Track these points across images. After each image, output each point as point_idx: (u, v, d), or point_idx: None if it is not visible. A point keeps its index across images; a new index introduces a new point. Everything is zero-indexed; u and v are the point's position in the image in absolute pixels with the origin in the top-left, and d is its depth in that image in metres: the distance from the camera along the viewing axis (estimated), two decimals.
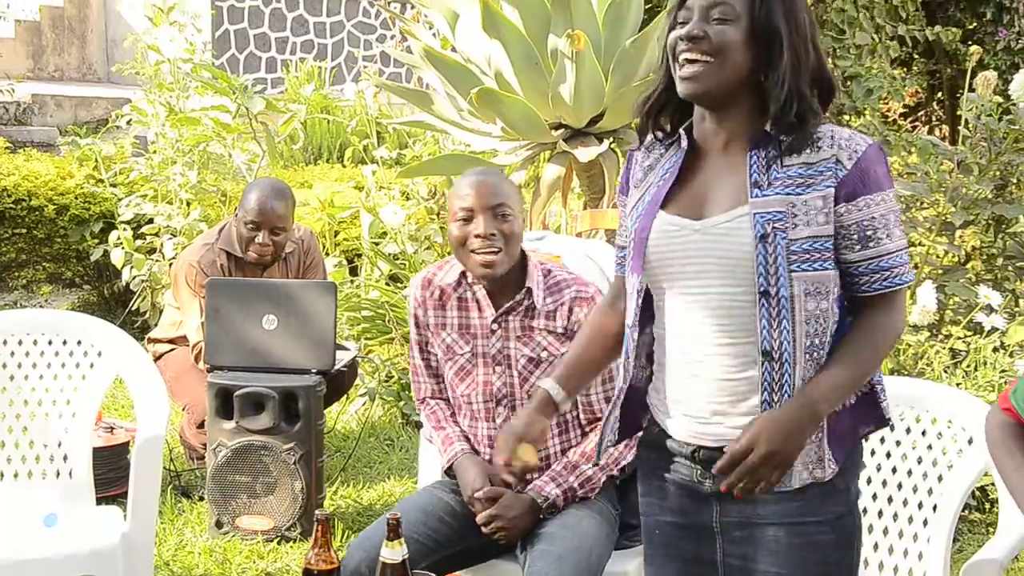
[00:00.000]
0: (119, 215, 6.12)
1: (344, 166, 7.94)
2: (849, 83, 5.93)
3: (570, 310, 2.77)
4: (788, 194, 1.92)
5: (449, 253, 5.99)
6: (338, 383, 4.29)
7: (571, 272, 2.87)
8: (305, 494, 3.78)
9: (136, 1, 6.67)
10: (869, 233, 1.93)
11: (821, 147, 1.94)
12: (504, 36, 4.76)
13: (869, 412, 2.05)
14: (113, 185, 6.42)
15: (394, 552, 2.31)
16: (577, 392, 2.27)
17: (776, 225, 1.90)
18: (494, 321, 2.79)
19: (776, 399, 1.93)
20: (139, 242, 6.01)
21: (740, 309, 1.94)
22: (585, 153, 4.86)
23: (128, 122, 6.61)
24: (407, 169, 5.67)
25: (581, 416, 2.84)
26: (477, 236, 2.70)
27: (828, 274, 1.94)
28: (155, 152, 6.33)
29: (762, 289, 1.91)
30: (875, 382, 2.04)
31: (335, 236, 6.55)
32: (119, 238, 5.96)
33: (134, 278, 5.94)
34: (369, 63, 10.14)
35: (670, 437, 2.06)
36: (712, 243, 1.95)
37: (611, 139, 5.19)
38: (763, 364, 1.93)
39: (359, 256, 6.44)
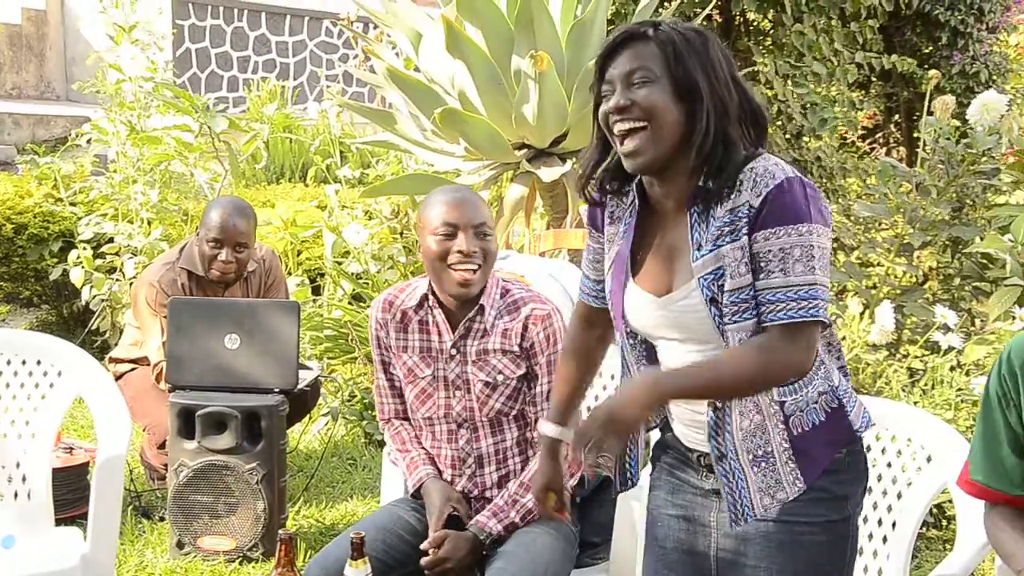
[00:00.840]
0: (79, 234, 6.07)
1: (307, 185, 7.93)
2: (806, 108, 6.00)
3: (524, 327, 2.77)
4: (715, 247, 1.96)
5: (413, 273, 6.01)
6: (301, 402, 4.28)
7: (530, 290, 2.86)
8: (267, 514, 3.76)
9: (97, 19, 6.62)
10: (763, 264, 1.93)
11: (742, 190, 1.95)
12: (467, 56, 4.78)
13: (839, 427, 2.08)
14: (72, 204, 6.37)
15: (358, 571, 2.31)
16: (574, 417, 2.34)
17: (719, 283, 1.96)
18: (453, 346, 2.79)
19: (719, 444, 2.05)
20: (99, 261, 5.97)
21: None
22: (548, 173, 4.89)
23: (88, 141, 6.56)
24: (370, 189, 5.67)
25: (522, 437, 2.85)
26: (459, 252, 2.69)
27: (753, 323, 1.96)
28: (115, 171, 6.29)
29: (713, 347, 2.02)
30: (840, 396, 2.08)
31: (298, 255, 6.54)
32: (79, 257, 5.91)
33: (94, 297, 5.89)
34: (332, 83, 10.15)
35: (679, 440, 2.19)
36: (676, 316, 2.03)
37: (574, 159, 5.22)
38: (709, 415, 2.05)
39: (322, 275, 6.43)
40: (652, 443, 2.31)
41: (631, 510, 2.81)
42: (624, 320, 2.11)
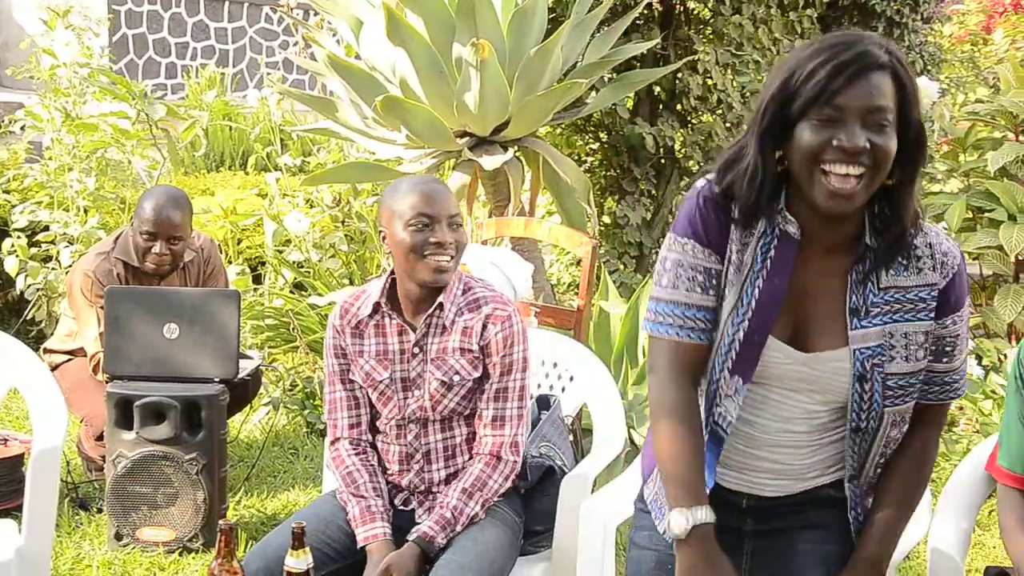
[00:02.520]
0: (12, 222, 5.97)
1: (247, 173, 7.85)
2: (747, 98, 6.05)
3: (484, 327, 2.75)
4: (886, 323, 1.87)
5: (356, 261, 5.99)
6: (241, 392, 4.24)
7: (492, 289, 2.84)
8: (208, 504, 3.73)
9: (30, 3, 6.50)
10: (948, 349, 1.91)
11: (922, 267, 1.87)
12: (408, 44, 4.76)
13: None
14: (6, 192, 6.26)
15: (299, 561, 2.30)
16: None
17: (874, 362, 1.87)
18: (415, 344, 2.77)
19: (855, 462, 1.99)
20: (34, 250, 5.87)
21: (826, 416, 1.97)
22: (490, 161, 4.89)
23: (22, 127, 6.45)
24: (311, 177, 5.63)
25: (467, 435, 2.83)
26: (435, 243, 2.66)
27: (912, 405, 1.95)
28: (50, 158, 6.19)
29: (853, 425, 1.93)
30: None
31: (238, 244, 6.48)
32: (13, 246, 5.82)
33: (29, 287, 5.80)
34: (272, 70, 10.05)
35: (716, 483, 2.03)
36: (815, 376, 1.92)
37: (516, 147, 5.22)
38: (849, 482, 2.01)
39: (263, 264, 6.38)
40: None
41: (573, 499, 2.82)
42: (756, 363, 1.92)
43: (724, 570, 1.89)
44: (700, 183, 1.97)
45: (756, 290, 1.89)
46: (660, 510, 2.08)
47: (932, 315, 1.87)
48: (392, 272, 2.80)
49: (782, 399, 1.96)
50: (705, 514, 1.88)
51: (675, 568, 1.93)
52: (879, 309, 1.86)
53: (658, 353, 1.98)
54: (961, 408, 4.45)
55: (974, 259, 5.21)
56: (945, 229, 4.89)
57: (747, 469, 2.02)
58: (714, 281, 1.93)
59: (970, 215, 5.20)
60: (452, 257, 2.70)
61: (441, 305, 2.74)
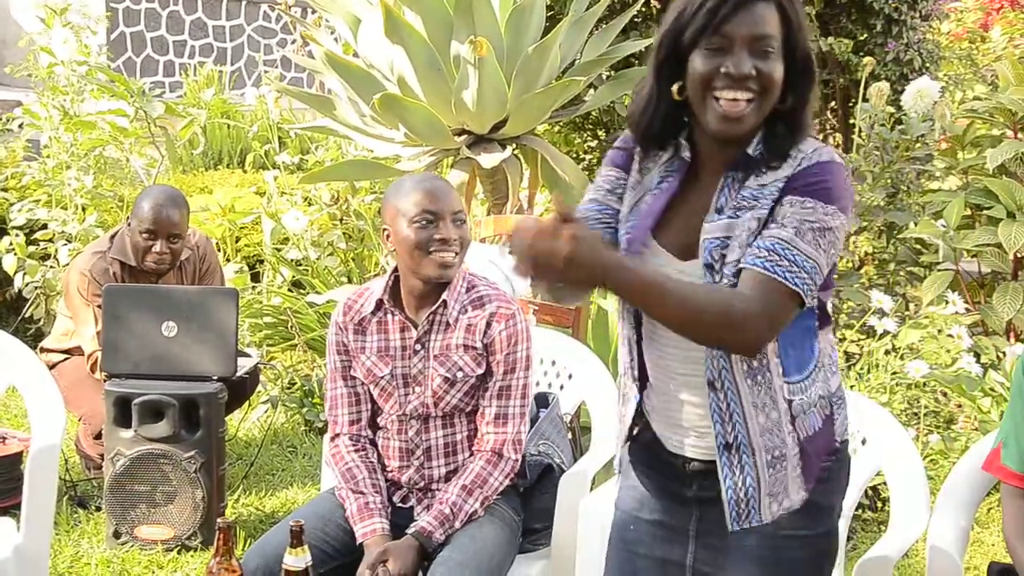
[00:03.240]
0: (10, 220, 5.97)
1: (245, 171, 7.85)
2: None
3: (488, 324, 2.75)
4: (731, 218, 1.88)
5: (354, 259, 5.98)
6: (240, 390, 4.24)
7: (496, 287, 2.85)
8: (206, 502, 3.73)
9: (28, 2, 6.50)
10: (785, 222, 1.83)
11: (784, 166, 1.89)
12: (406, 42, 4.76)
13: (831, 433, 2.02)
14: (4, 190, 6.26)
15: (297, 559, 2.30)
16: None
17: (723, 251, 1.86)
18: (417, 341, 2.77)
19: (728, 432, 1.93)
20: (32, 248, 5.87)
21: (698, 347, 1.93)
22: (488, 159, 4.88)
23: (20, 125, 6.45)
24: (309, 175, 5.62)
25: (468, 429, 2.84)
26: (440, 240, 2.67)
27: None
28: (48, 156, 6.18)
29: None
30: (834, 402, 2.02)
31: (236, 242, 6.48)
32: (11, 244, 5.81)
33: (27, 285, 5.80)
34: (270, 68, 10.05)
35: (659, 443, 2.06)
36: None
37: (514, 145, 5.22)
38: (709, 395, 1.93)
39: (261, 262, 6.38)
40: (625, 445, 2.16)
41: (571, 497, 2.82)
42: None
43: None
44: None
45: (643, 204, 1.99)
46: (626, 472, 2.17)
47: (769, 203, 1.87)
48: (395, 269, 2.81)
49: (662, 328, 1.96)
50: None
51: (634, 527, 2.11)
52: (735, 205, 1.90)
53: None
54: (960, 406, 4.45)
55: (973, 257, 5.21)
56: (944, 227, 4.89)
57: (673, 420, 2.02)
58: (616, 187, 2.06)
59: (969, 213, 5.19)
60: (457, 253, 2.71)
61: (445, 302, 2.75)
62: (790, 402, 1.94)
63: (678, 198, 1.97)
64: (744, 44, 1.84)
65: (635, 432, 2.11)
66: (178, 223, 4.17)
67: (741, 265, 1.84)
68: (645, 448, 2.10)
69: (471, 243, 2.80)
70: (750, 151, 1.90)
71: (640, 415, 2.09)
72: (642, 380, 2.06)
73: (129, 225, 4.23)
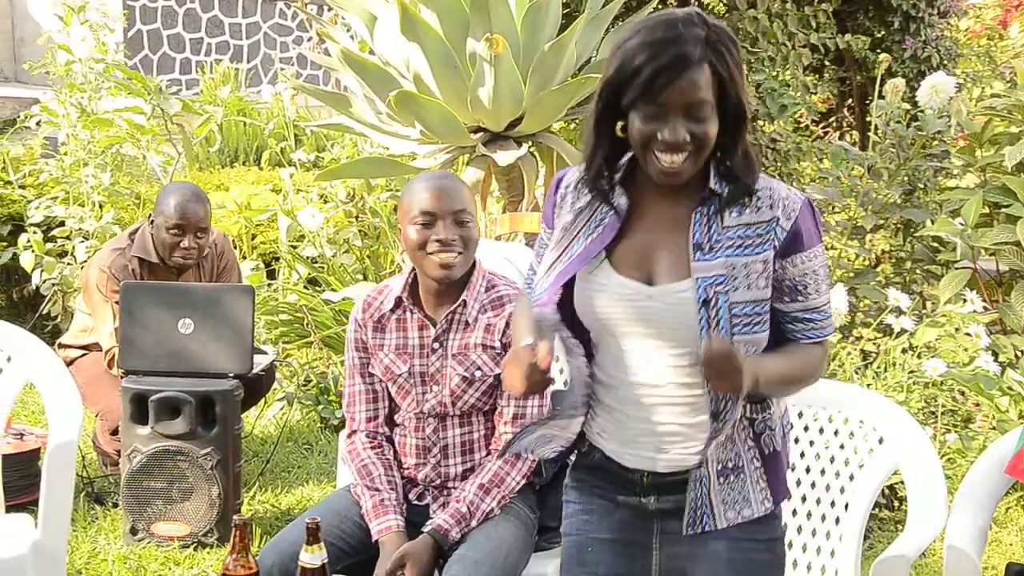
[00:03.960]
0: (28, 217, 5.99)
1: (261, 169, 7.86)
2: (764, 94, 6.02)
3: (507, 324, 2.74)
4: (728, 256, 1.96)
5: (369, 256, 5.99)
6: (256, 387, 4.25)
7: (516, 287, 2.84)
8: (222, 499, 3.74)
9: (46, 0, 6.53)
10: (800, 288, 2.01)
11: (760, 207, 1.98)
12: (422, 39, 4.76)
13: (787, 447, 2.15)
14: (22, 187, 6.28)
15: (313, 556, 2.30)
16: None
17: (717, 289, 1.95)
18: (435, 340, 2.77)
19: (708, 452, 2.02)
20: (49, 245, 5.89)
21: (689, 367, 1.99)
22: (504, 157, 4.88)
23: (38, 123, 6.47)
24: (325, 172, 5.63)
25: (486, 431, 2.83)
26: (437, 241, 2.67)
27: (763, 337, 2.00)
28: (66, 153, 6.20)
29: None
30: (788, 419, 2.15)
31: (252, 239, 6.49)
32: (28, 241, 5.84)
33: (44, 282, 5.82)
34: (286, 65, 10.06)
35: (613, 461, 2.09)
36: (662, 308, 1.98)
37: (530, 143, 5.21)
38: (712, 424, 2.00)
39: (277, 259, 6.39)
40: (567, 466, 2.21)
41: None
42: (579, 309, 2.04)
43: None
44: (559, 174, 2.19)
45: (581, 247, 2.04)
46: (573, 497, 2.20)
47: (772, 247, 1.97)
48: (414, 268, 2.81)
49: (639, 350, 2.02)
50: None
51: (592, 549, 2.13)
52: (722, 244, 1.97)
53: None
54: (978, 405, 4.43)
55: (991, 255, 5.18)
56: (962, 225, 4.86)
57: (634, 439, 2.06)
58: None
59: (987, 210, 5.16)
60: (460, 253, 2.70)
61: (464, 302, 2.75)
62: (752, 420, 2.05)
63: (625, 229, 2.04)
64: (679, 112, 1.91)
65: (574, 457, 2.17)
66: (204, 217, 4.22)
67: (794, 337, 2.05)
68: (596, 468, 2.13)
69: (477, 241, 2.78)
70: (712, 186, 1.99)
71: (581, 438, 2.13)
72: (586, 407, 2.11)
73: (152, 223, 4.24)
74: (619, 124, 2.00)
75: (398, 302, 2.80)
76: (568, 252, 2.06)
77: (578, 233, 2.06)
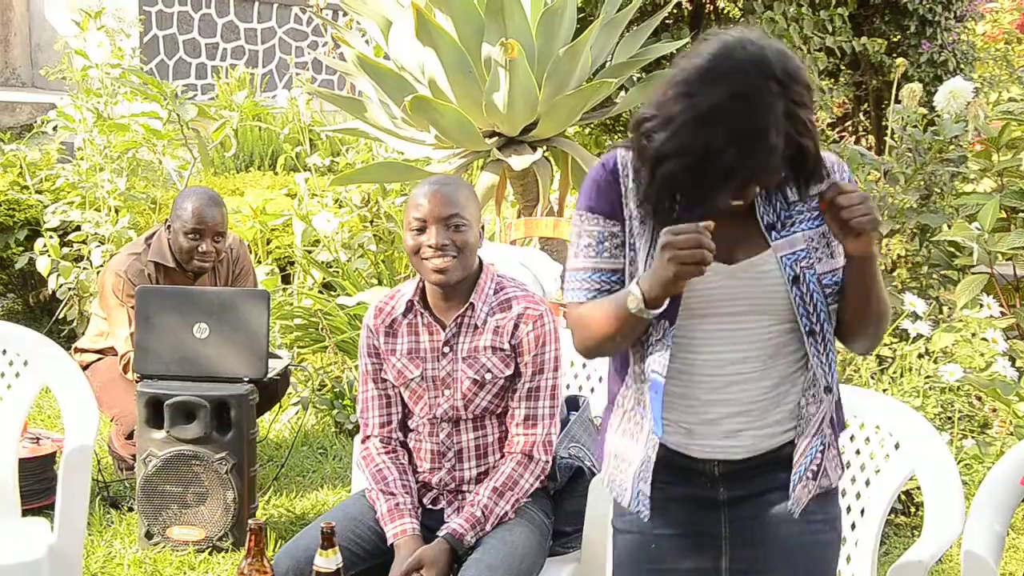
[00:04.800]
0: (45, 222, 6.02)
1: (276, 173, 7.88)
2: None
3: (515, 325, 2.75)
4: (805, 230, 1.98)
5: (384, 261, 6.00)
6: (271, 391, 4.26)
7: (525, 288, 2.84)
8: (237, 504, 3.74)
9: (62, 5, 6.56)
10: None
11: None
12: (437, 44, 4.76)
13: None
14: (39, 192, 6.31)
15: (328, 561, 2.31)
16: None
17: (803, 264, 1.96)
18: (445, 343, 2.78)
19: (825, 371, 2.03)
20: (66, 250, 5.92)
21: (774, 338, 2.00)
22: (519, 161, 4.88)
23: (54, 128, 6.50)
24: (340, 177, 5.64)
25: (499, 431, 2.83)
26: (429, 246, 2.68)
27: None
28: (82, 158, 6.23)
29: (807, 328, 1.98)
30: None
31: (267, 244, 6.51)
32: (45, 245, 5.86)
33: (60, 286, 5.85)
34: (301, 70, 10.08)
35: (677, 454, 2.06)
36: (745, 285, 1.98)
37: (544, 147, 5.21)
38: (817, 394, 2.03)
39: (291, 264, 6.40)
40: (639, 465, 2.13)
41: (602, 500, 2.81)
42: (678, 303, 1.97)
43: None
44: (605, 156, 2.10)
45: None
46: (619, 488, 2.13)
47: (820, 216, 1.97)
48: None
49: (722, 329, 1.99)
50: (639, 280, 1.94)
51: (656, 545, 2.08)
52: (793, 220, 1.98)
53: (573, 314, 2.09)
54: (995, 410, 4.41)
55: (1008, 259, 5.16)
56: (978, 229, 4.84)
57: (709, 429, 2.03)
58: (618, 243, 2.04)
59: (1004, 215, 5.14)
60: (453, 258, 2.69)
61: (472, 305, 2.75)
62: (829, 389, 2.05)
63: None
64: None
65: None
66: (221, 221, 4.24)
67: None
68: (662, 465, 2.06)
69: (498, 246, 2.79)
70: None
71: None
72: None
73: (169, 228, 4.25)
74: None
75: (409, 306, 2.81)
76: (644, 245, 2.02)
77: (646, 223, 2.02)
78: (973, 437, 4.26)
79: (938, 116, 5.09)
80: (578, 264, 2.07)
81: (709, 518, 2.07)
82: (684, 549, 2.09)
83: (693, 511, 2.08)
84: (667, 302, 1.92)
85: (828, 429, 2.07)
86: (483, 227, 2.86)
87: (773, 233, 1.97)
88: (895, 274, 5.26)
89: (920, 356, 4.42)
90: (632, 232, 2.02)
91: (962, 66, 6.82)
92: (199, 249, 4.19)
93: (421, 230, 2.70)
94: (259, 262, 6.27)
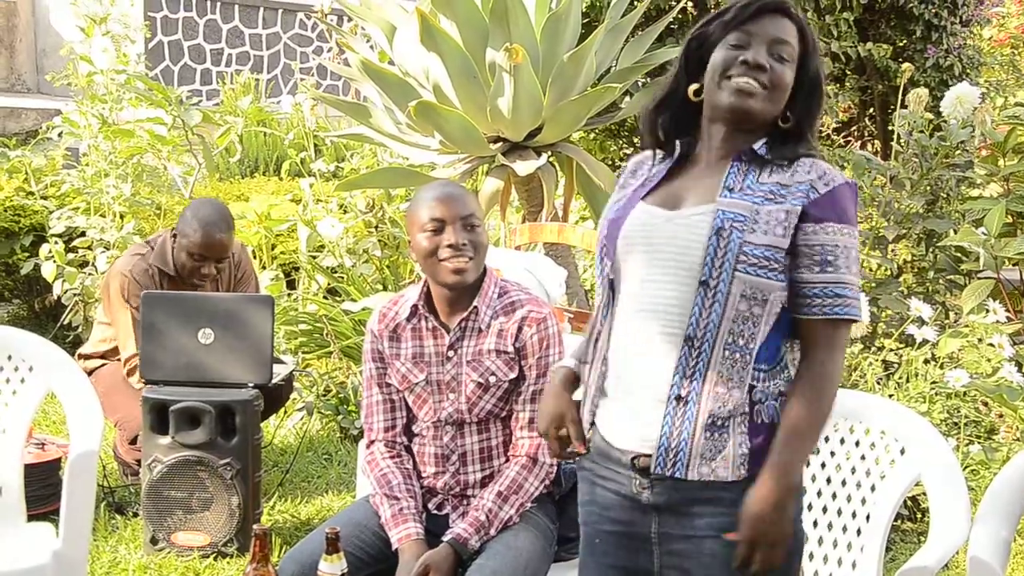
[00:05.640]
0: (50, 228, 6.03)
1: (281, 179, 7.89)
2: None
3: (519, 328, 2.75)
4: (754, 203, 2.00)
5: (388, 267, 5.99)
6: (275, 397, 4.26)
7: (528, 292, 2.85)
8: (242, 509, 3.74)
9: (68, 11, 6.57)
10: (830, 259, 1.99)
11: (797, 171, 2.03)
12: (442, 49, 4.76)
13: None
14: (44, 198, 6.32)
15: (332, 566, 2.31)
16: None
17: (734, 224, 1.98)
18: (449, 347, 2.78)
19: (685, 386, 2.00)
20: (71, 255, 5.92)
21: (681, 304, 2.00)
22: (523, 167, 4.88)
23: (59, 134, 6.51)
24: (345, 182, 5.65)
25: (503, 436, 2.83)
26: (449, 246, 2.68)
27: (771, 284, 1.99)
28: (87, 164, 6.24)
29: (703, 279, 1.98)
30: None
31: (272, 249, 6.51)
32: (50, 251, 5.87)
33: (66, 292, 5.85)
34: (306, 76, 10.09)
35: (608, 444, 2.11)
36: (675, 231, 2.02)
37: (549, 153, 5.21)
38: (682, 348, 2.00)
39: (296, 270, 6.40)
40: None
41: None
42: (615, 242, 2.09)
43: (561, 403, 2.20)
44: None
45: (629, 190, 2.17)
46: (581, 486, 2.22)
47: (802, 203, 1.99)
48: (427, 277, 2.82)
49: (643, 281, 2.05)
50: (564, 362, 2.27)
51: (600, 541, 2.16)
52: (752, 192, 2.02)
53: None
54: (1001, 416, 4.40)
55: (1014, 265, 5.15)
56: (984, 234, 4.83)
57: (620, 401, 2.08)
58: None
59: (1010, 220, 5.14)
60: (471, 258, 2.71)
61: (476, 308, 2.75)
62: (752, 387, 2.00)
63: (666, 179, 2.14)
64: (763, 43, 2.03)
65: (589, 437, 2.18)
66: (227, 246, 4.21)
67: (807, 316, 2.00)
68: (598, 453, 2.14)
69: (503, 251, 2.79)
70: (755, 147, 2.06)
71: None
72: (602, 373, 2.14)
73: (175, 239, 4.24)
74: (692, 88, 2.11)
75: (413, 311, 2.81)
76: (619, 203, 2.16)
77: (631, 188, 2.18)
78: (979, 443, 4.25)
79: (944, 121, 5.08)
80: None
81: (640, 520, 2.10)
82: (622, 547, 2.14)
83: (627, 511, 2.12)
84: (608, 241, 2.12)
85: (716, 410, 2.00)
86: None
87: (726, 192, 2.03)
88: (901, 279, 5.26)
89: (926, 361, 4.41)
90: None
91: (968, 71, 6.80)
92: (201, 270, 4.19)
93: (438, 231, 2.69)
94: (264, 267, 6.27)
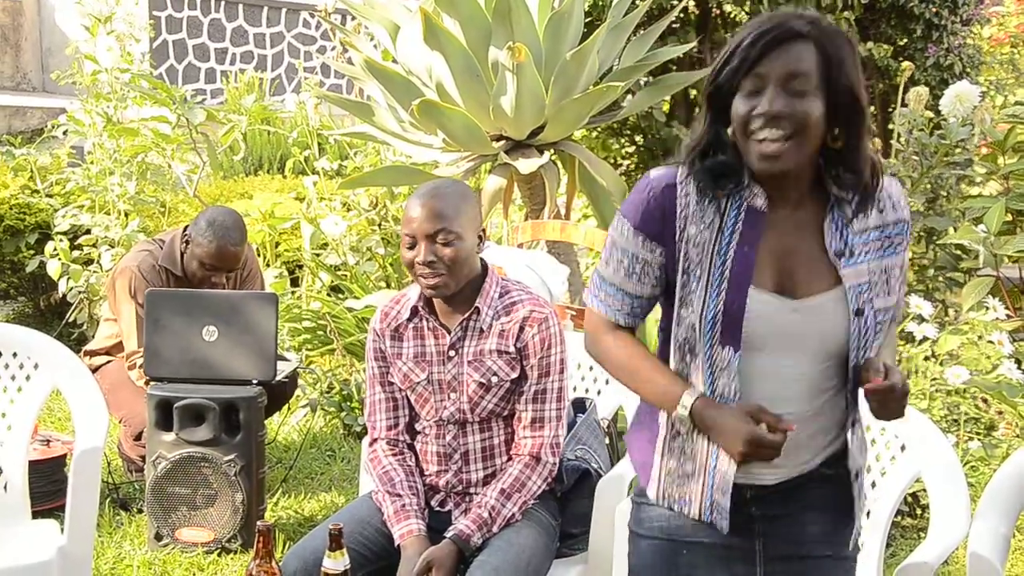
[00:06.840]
0: (55, 226, 6.05)
1: (285, 177, 7.91)
2: None
3: (520, 328, 2.75)
4: (870, 261, 1.96)
5: (392, 264, 6.01)
6: (279, 394, 4.27)
7: (530, 292, 2.84)
8: (246, 505, 3.76)
9: (73, 10, 6.59)
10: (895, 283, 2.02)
11: (884, 208, 1.98)
12: (445, 48, 4.78)
13: None
14: (49, 196, 6.34)
15: (336, 563, 2.32)
16: None
17: (864, 297, 1.94)
18: (450, 347, 2.79)
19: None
20: (76, 253, 5.94)
21: (823, 378, 1.99)
22: (526, 165, 4.89)
23: (64, 132, 6.53)
24: (348, 180, 5.66)
25: (505, 434, 2.84)
26: (419, 262, 2.68)
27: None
28: (92, 162, 6.26)
29: (853, 364, 1.96)
30: None
31: (276, 247, 6.53)
32: (55, 249, 5.89)
33: (71, 289, 5.87)
34: (310, 74, 10.11)
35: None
36: (806, 324, 1.95)
37: (552, 151, 5.22)
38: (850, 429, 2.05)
39: (300, 267, 6.42)
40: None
41: (608, 502, 2.82)
42: (741, 332, 1.93)
43: (727, 409, 1.95)
44: (656, 171, 2.05)
45: (728, 261, 1.95)
46: (679, 502, 2.07)
47: (903, 247, 1.98)
48: None
49: (772, 365, 1.96)
50: (694, 391, 1.97)
51: (688, 553, 2.07)
52: (860, 249, 1.95)
53: (595, 321, 2.14)
54: (1001, 412, 4.42)
55: (1014, 262, 5.16)
56: (984, 232, 4.85)
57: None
58: (649, 271, 2.03)
59: (1010, 218, 5.15)
60: (442, 274, 2.68)
61: (478, 309, 2.76)
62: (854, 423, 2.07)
63: (751, 237, 1.95)
64: (777, 83, 1.86)
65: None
66: (240, 258, 4.22)
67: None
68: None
69: (505, 249, 2.80)
70: (835, 192, 1.95)
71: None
72: None
73: (186, 244, 4.24)
74: (729, 129, 1.96)
75: (414, 311, 2.82)
76: (715, 271, 1.96)
77: (716, 250, 1.96)
78: (979, 439, 4.26)
79: (944, 120, 5.10)
80: (607, 273, 2.08)
81: (743, 532, 2.04)
82: (719, 559, 2.07)
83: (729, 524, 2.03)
84: (725, 331, 1.94)
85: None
86: (484, 230, 2.85)
87: (842, 260, 1.94)
88: None
89: (926, 359, 4.43)
90: (688, 256, 1.98)
91: (968, 70, 6.81)
92: (211, 279, 4.20)
93: (411, 246, 2.70)
94: (268, 265, 6.29)
